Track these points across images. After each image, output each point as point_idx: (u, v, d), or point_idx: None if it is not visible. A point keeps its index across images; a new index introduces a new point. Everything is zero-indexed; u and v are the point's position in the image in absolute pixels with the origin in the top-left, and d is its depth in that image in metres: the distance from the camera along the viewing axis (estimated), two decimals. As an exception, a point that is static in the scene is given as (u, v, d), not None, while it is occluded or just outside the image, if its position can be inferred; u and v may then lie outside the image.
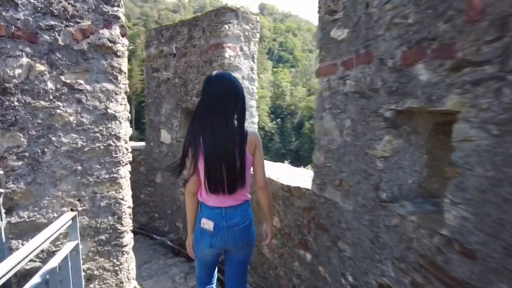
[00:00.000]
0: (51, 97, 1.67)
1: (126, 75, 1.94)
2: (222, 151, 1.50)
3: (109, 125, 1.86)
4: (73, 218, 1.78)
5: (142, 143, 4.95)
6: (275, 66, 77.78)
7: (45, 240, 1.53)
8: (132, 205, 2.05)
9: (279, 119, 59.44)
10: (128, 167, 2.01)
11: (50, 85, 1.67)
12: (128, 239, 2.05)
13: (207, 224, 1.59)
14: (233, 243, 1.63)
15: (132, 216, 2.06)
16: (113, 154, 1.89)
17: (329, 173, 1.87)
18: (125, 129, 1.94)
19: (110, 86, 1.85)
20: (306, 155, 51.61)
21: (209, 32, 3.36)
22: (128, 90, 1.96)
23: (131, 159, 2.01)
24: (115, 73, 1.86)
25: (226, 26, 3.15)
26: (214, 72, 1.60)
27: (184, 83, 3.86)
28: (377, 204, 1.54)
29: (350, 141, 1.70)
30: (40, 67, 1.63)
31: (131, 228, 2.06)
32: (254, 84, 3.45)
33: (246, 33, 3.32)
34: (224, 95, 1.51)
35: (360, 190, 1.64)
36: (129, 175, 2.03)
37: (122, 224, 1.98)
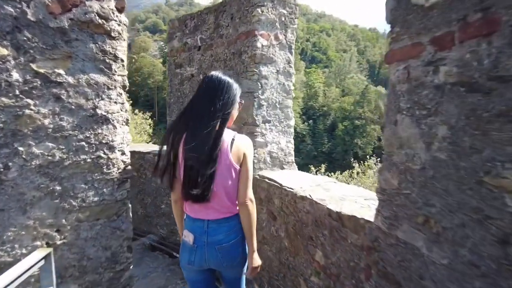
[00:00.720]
0: (17, 92, 1.22)
1: (125, 64, 1.46)
2: (197, 156, 1.38)
3: (99, 131, 1.39)
4: (47, 256, 1.32)
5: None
6: (308, 67, 76.69)
7: (8, 285, 1.17)
8: (132, 236, 1.57)
9: (311, 121, 58.43)
10: (127, 185, 1.53)
11: (16, 75, 1.21)
12: (127, 279, 1.56)
13: (187, 236, 1.48)
14: (216, 262, 1.48)
15: (132, 250, 1.57)
16: (105, 170, 1.42)
17: (407, 204, 1.27)
18: (122, 136, 1.46)
19: (100, 78, 1.37)
20: (339, 157, 50.24)
21: (239, 19, 2.84)
22: (127, 84, 1.48)
23: (130, 175, 1.52)
24: (107, 60, 1.38)
25: (259, 10, 2.61)
26: (211, 73, 1.50)
27: (210, 80, 3.36)
28: (505, 268, 0.92)
29: (447, 160, 1.09)
30: (2, 50, 1.18)
31: (131, 265, 1.58)
32: (291, 80, 2.87)
33: (283, 19, 2.76)
34: (209, 97, 1.43)
35: (465, 239, 1.03)
36: (128, 196, 1.54)
37: (117, 262, 1.50)
